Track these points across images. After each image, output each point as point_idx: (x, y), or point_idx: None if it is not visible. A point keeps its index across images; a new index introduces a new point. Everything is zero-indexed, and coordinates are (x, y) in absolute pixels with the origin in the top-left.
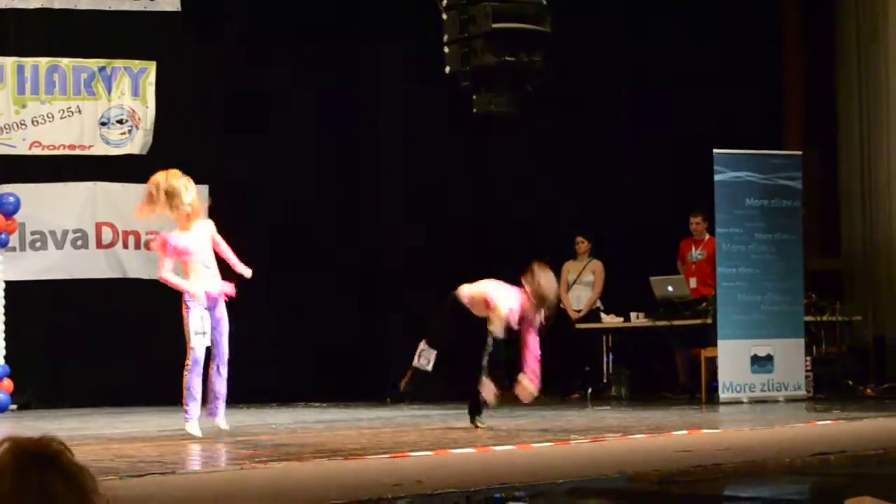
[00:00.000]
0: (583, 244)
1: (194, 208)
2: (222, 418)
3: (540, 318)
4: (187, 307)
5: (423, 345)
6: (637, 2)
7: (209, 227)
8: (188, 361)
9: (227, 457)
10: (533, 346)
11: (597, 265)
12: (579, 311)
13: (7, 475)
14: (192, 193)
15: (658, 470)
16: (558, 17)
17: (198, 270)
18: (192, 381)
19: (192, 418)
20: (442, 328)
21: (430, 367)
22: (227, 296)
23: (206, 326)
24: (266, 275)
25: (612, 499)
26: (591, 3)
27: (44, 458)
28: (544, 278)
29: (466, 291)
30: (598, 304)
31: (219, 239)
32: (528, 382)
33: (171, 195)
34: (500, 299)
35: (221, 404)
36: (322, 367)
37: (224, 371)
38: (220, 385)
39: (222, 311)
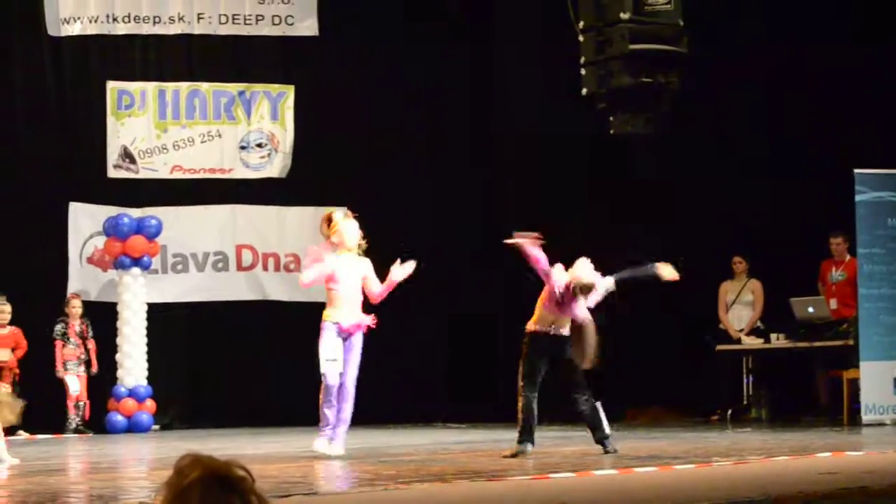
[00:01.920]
0: (740, 264)
1: (342, 240)
2: (338, 445)
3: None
4: (322, 332)
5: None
6: (777, 21)
7: (363, 264)
8: (322, 386)
9: (370, 477)
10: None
11: (756, 284)
12: (741, 331)
13: (195, 493)
14: (350, 230)
15: (803, 492)
16: (695, 38)
17: (339, 299)
18: (323, 406)
19: (322, 437)
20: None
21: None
22: (366, 327)
23: (336, 353)
24: (402, 296)
25: None
26: (728, 24)
27: (229, 480)
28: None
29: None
30: (759, 323)
31: (372, 277)
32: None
33: (328, 221)
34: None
35: (340, 430)
36: (460, 388)
37: (345, 399)
38: (341, 412)
39: (355, 342)
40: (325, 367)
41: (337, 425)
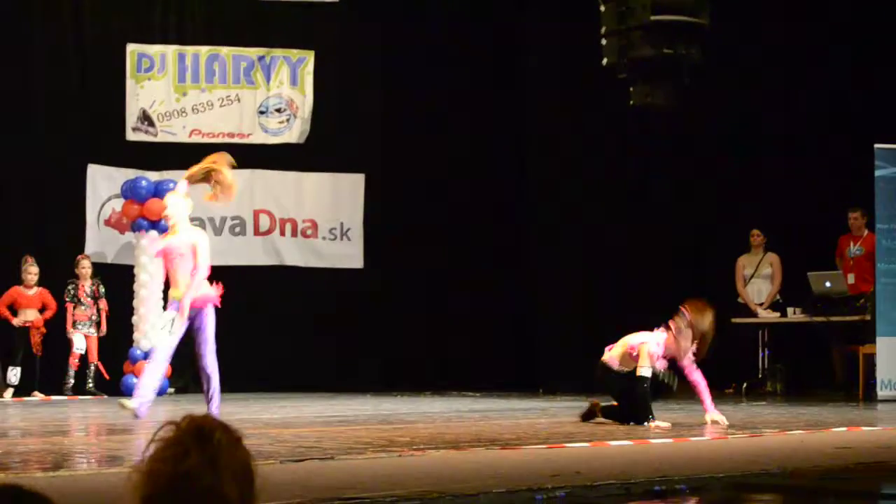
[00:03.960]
0: (758, 237)
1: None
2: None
3: (692, 350)
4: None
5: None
6: None
7: (195, 236)
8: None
9: (385, 444)
10: (698, 381)
11: (774, 258)
12: (761, 304)
13: (172, 440)
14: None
15: (818, 466)
16: (716, 10)
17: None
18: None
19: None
20: (610, 390)
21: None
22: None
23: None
24: (422, 266)
25: (773, 494)
26: None
27: (208, 430)
28: (702, 318)
29: (611, 355)
30: (778, 296)
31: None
32: (717, 415)
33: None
34: (642, 342)
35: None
36: (477, 357)
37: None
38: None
39: (201, 320)
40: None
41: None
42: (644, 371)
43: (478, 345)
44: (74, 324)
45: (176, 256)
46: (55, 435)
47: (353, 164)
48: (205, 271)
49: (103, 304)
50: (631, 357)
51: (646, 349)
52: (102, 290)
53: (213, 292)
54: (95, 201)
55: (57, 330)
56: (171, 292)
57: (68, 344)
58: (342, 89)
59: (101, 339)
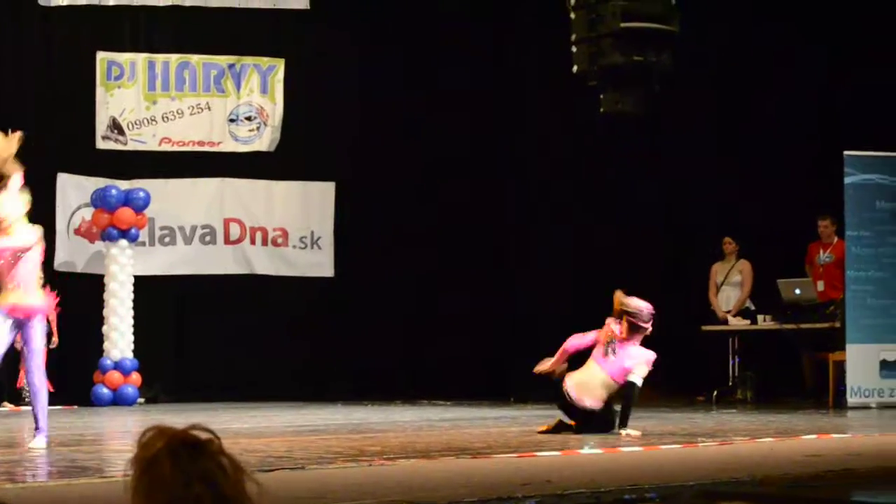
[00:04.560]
0: (730, 244)
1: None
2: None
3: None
4: None
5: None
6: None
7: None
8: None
9: (355, 453)
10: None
11: (745, 265)
12: (729, 312)
13: (165, 462)
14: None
15: (788, 474)
16: (687, 17)
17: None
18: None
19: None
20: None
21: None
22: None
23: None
24: (393, 275)
25: (743, 502)
26: (718, 3)
27: (196, 444)
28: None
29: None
30: (749, 303)
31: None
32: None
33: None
34: (640, 357)
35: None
36: (447, 365)
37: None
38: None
39: (28, 332)
40: None
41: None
42: (638, 379)
43: (448, 353)
44: None
45: (7, 258)
46: (23, 446)
47: (324, 173)
48: (33, 277)
49: (53, 315)
50: (622, 377)
51: (648, 357)
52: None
53: (44, 302)
54: (65, 210)
55: None
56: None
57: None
58: (312, 97)
59: (64, 349)
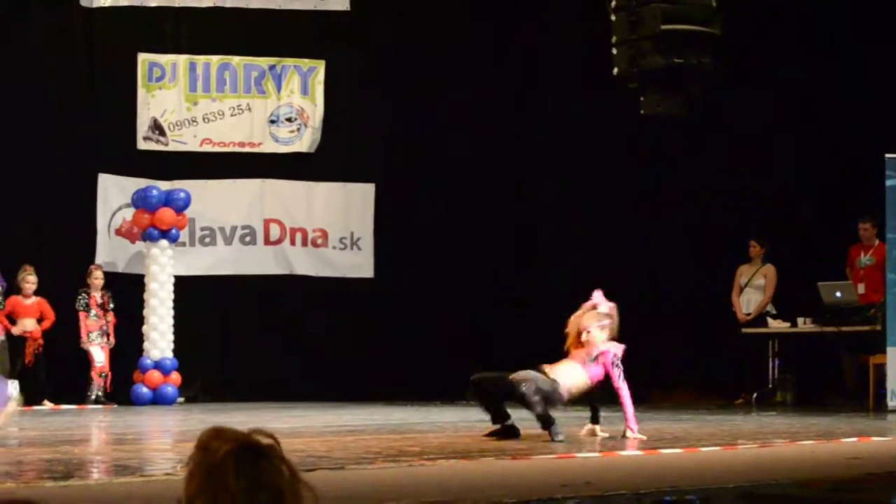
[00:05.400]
0: (755, 248)
1: None
2: None
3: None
4: None
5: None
6: (807, 5)
7: None
8: None
9: (395, 454)
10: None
11: (769, 269)
12: (748, 315)
13: (229, 466)
14: None
15: (829, 477)
16: (729, 20)
17: None
18: None
19: None
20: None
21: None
22: None
23: None
24: (433, 275)
25: None
26: (760, 5)
27: (259, 449)
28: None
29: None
30: (770, 307)
31: None
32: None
33: None
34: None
35: None
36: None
37: None
38: None
39: None
40: None
41: None
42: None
43: (487, 354)
44: (88, 335)
45: None
46: (65, 444)
47: (364, 174)
48: None
49: (111, 316)
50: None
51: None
52: (111, 302)
53: None
54: (106, 210)
55: (60, 339)
56: None
57: (87, 356)
58: (353, 98)
59: (110, 350)
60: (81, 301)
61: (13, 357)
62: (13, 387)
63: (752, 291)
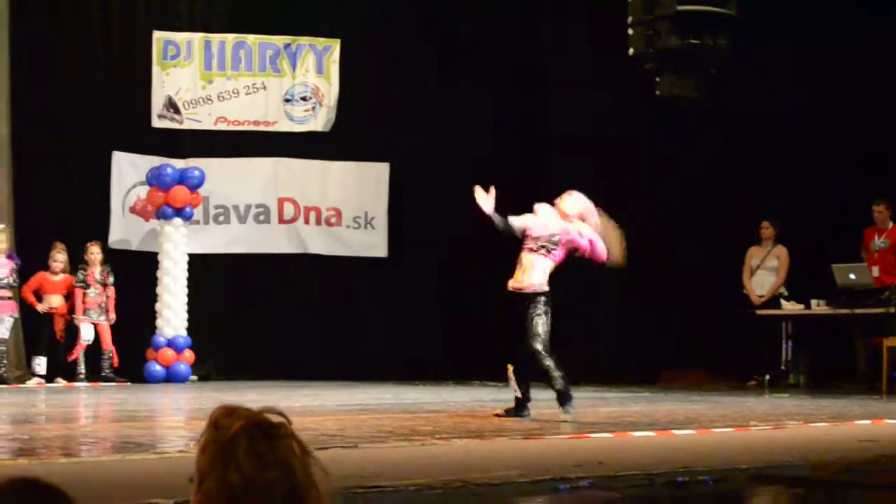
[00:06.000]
0: (767, 229)
1: None
2: None
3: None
4: None
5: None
6: None
7: None
8: None
9: (408, 433)
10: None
11: (781, 251)
12: (762, 297)
13: (241, 444)
14: None
15: (842, 459)
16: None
17: None
18: None
19: None
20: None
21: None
22: None
23: None
24: (446, 255)
25: (797, 486)
26: None
27: (270, 427)
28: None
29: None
30: (783, 289)
31: None
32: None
33: None
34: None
35: None
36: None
37: None
38: None
39: None
40: None
41: None
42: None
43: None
44: (85, 311)
45: None
46: (77, 421)
47: (378, 153)
48: None
49: (111, 291)
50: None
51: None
52: (111, 277)
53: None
54: (120, 188)
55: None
56: None
57: (76, 331)
58: (368, 78)
59: (118, 326)
60: (79, 277)
61: (39, 333)
62: (39, 364)
63: (764, 273)
